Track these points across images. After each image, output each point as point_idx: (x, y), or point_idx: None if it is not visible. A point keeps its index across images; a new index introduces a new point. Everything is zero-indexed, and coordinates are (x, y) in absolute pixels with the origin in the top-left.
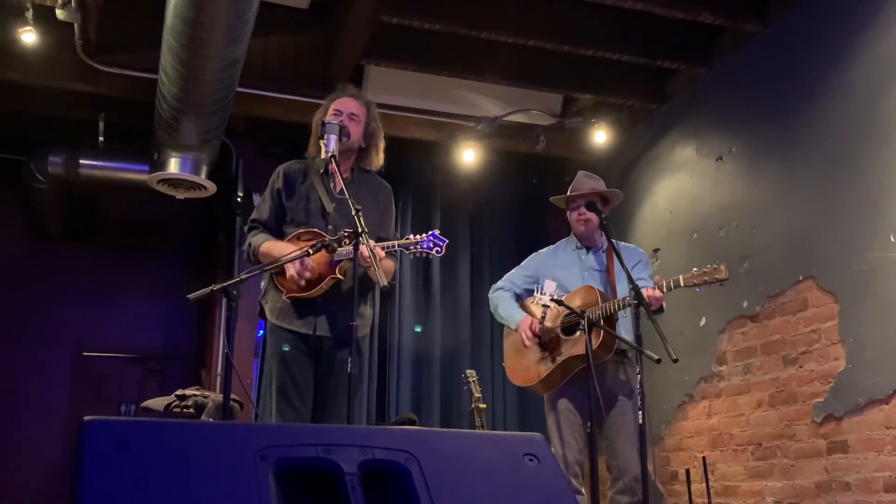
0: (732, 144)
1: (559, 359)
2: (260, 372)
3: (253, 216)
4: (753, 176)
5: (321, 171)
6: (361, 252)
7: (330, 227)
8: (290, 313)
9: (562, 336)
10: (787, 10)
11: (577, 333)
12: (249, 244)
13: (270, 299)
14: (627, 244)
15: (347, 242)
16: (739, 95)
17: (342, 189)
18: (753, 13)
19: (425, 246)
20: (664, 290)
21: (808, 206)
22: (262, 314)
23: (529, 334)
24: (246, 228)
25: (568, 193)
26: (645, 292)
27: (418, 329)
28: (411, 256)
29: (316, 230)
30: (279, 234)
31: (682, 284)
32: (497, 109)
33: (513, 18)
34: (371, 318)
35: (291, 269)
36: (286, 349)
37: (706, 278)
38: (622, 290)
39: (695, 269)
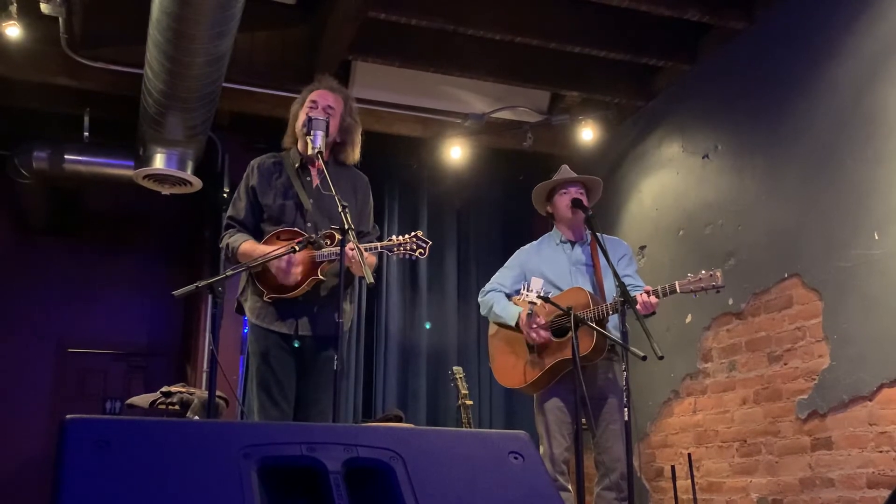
0: (718, 141)
1: (549, 362)
2: (246, 369)
3: (229, 214)
4: (739, 173)
5: (296, 165)
6: (346, 251)
7: (308, 224)
8: (270, 313)
9: (552, 338)
10: (773, 7)
11: (568, 335)
12: (228, 244)
13: (250, 298)
14: (612, 237)
15: (330, 243)
16: (725, 92)
17: (319, 185)
18: (739, 10)
19: (409, 247)
20: (659, 295)
21: (793, 203)
22: (240, 311)
23: (540, 331)
24: (223, 227)
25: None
26: (640, 298)
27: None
28: (395, 258)
29: (295, 229)
30: (257, 233)
31: (677, 290)
32: (484, 106)
33: (500, 15)
34: (351, 313)
35: (279, 266)
36: (268, 349)
37: (702, 285)
38: (609, 286)
39: (690, 274)
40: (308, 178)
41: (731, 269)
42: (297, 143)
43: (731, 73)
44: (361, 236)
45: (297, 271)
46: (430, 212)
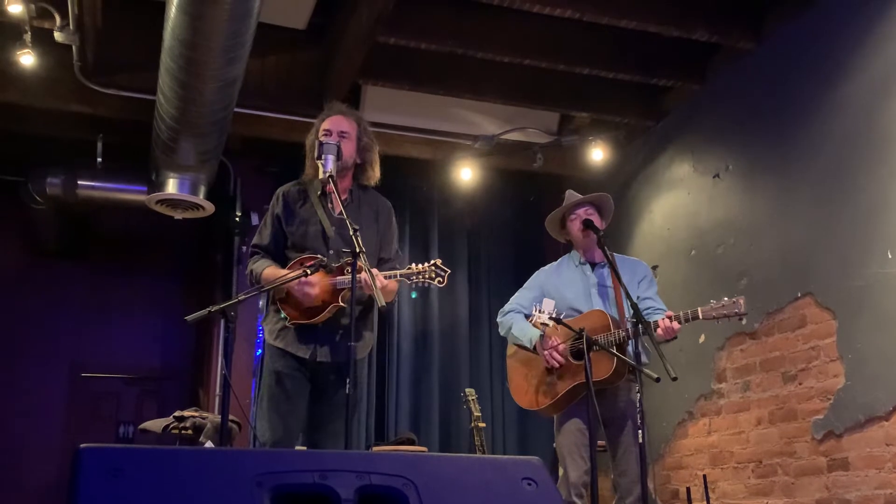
0: (729, 161)
1: (567, 385)
2: (256, 388)
3: (254, 241)
4: (750, 192)
5: (319, 192)
6: (361, 276)
7: (331, 251)
8: (290, 336)
9: (571, 360)
10: (782, 27)
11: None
12: (251, 271)
13: (270, 321)
14: (631, 258)
15: (348, 271)
16: (735, 112)
17: (342, 211)
18: (748, 30)
19: (428, 276)
20: (682, 321)
21: (805, 222)
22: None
23: (557, 356)
24: (248, 254)
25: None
26: (661, 323)
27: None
28: (413, 286)
29: (318, 256)
30: (282, 260)
31: (700, 317)
32: (494, 128)
33: (509, 37)
34: (371, 341)
35: (292, 286)
36: (282, 369)
37: (725, 311)
38: (629, 308)
39: (713, 301)
40: (330, 206)
41: (744, 288)
42: (317, 173)
43: (741, 92)
44: (383, 262)
45: (315, 291)
46: (441, 233)
